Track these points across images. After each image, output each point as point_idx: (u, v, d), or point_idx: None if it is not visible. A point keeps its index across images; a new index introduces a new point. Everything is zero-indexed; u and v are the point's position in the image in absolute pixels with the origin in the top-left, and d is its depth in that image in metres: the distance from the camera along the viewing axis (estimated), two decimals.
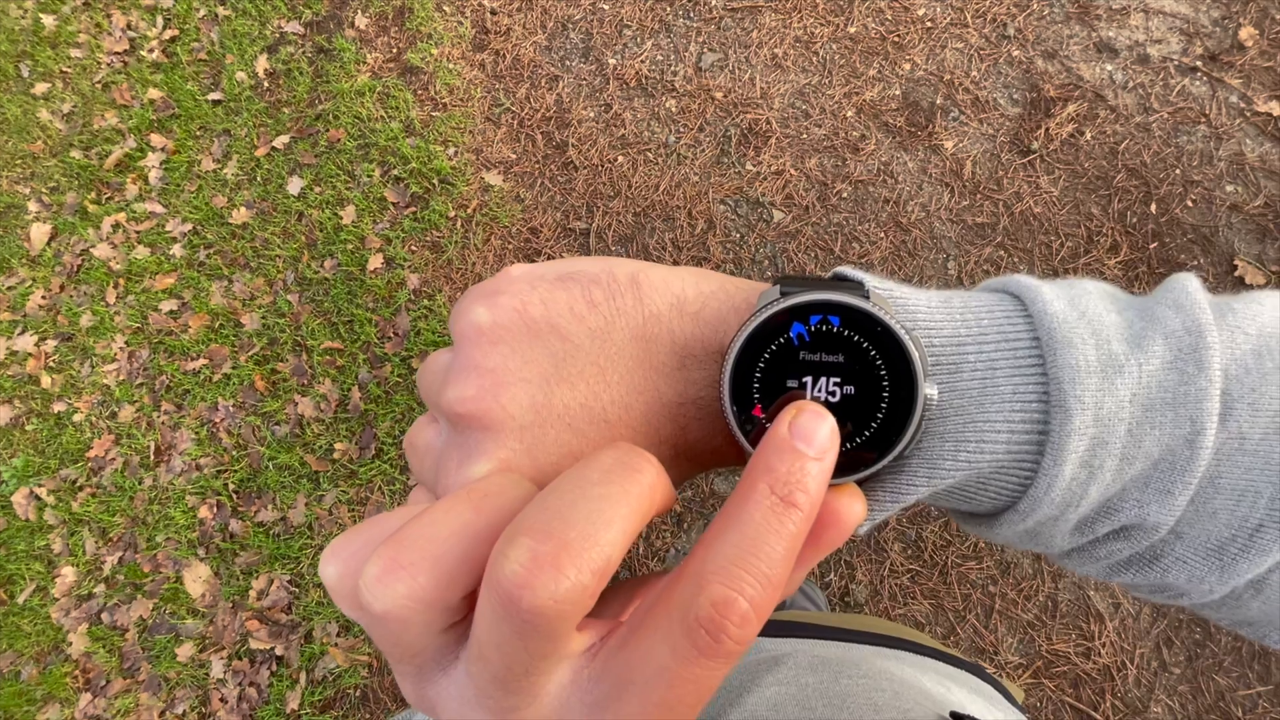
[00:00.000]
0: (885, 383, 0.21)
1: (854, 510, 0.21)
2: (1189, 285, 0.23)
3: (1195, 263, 1.48)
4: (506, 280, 0.24)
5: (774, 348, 0.21)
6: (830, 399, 0.21)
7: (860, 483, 0.22)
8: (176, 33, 2.02)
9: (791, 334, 0.21)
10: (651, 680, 0.17)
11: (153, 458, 1.75)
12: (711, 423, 0.24)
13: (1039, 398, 0.21)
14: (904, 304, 0.23)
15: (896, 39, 1.69)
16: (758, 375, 0.21)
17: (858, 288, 0.23)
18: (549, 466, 0.22)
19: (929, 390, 0.21)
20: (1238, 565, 0.22)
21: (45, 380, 1.84)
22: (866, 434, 0.21)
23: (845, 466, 0.21)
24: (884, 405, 0.21)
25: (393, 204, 1.81)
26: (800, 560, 0.20)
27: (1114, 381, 0.21)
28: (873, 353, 0.21)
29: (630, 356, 0.23)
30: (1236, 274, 1.46)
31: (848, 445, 0.21)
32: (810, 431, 0.19)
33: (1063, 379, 0.21)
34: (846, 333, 0.21)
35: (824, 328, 0.21)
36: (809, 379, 0.21)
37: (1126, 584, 0.26)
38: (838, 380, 0.21)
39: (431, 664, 0.19)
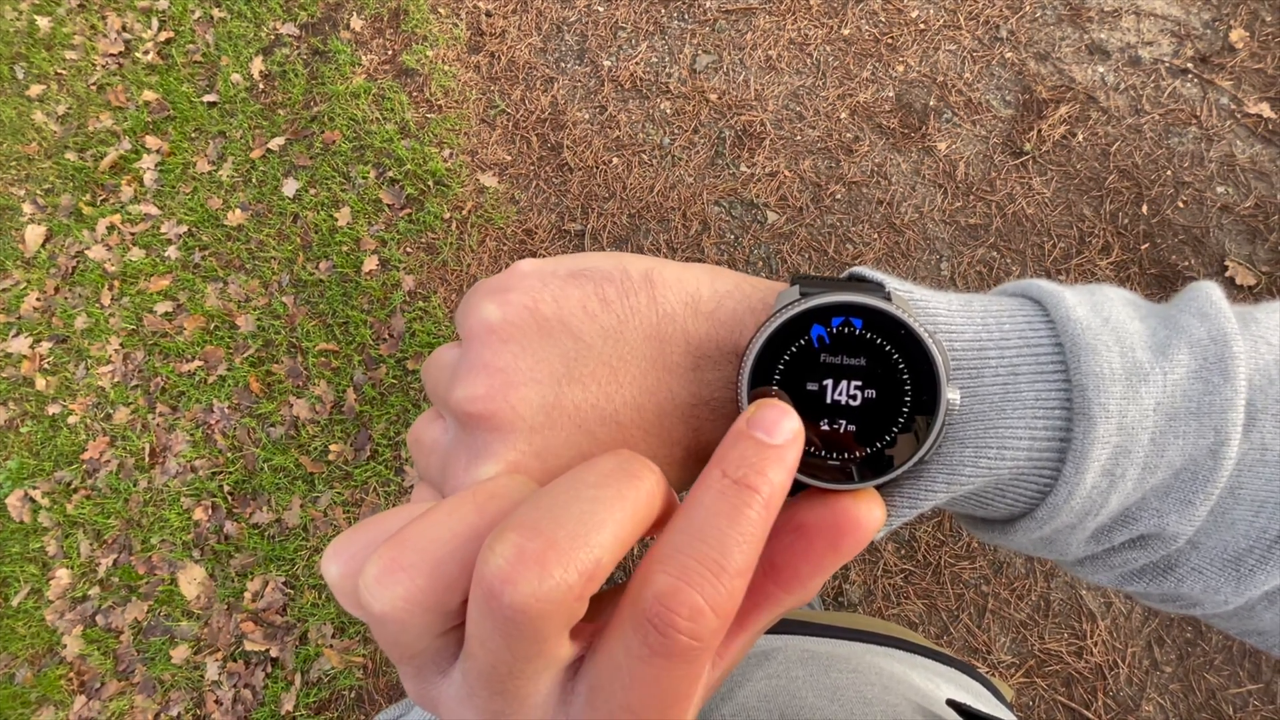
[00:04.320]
0: (907, 387, 0.21)
1: (873, 516, 0.20)
2: (1213, 294, 0.22)
3: (1186, 263, 1.49)
4: (517, 276, 0.23)
5: (794, 350, 0.21)
6: (851, 402, 0.21)
7: (879, 488, 0.22)
8: (172, 35, 2.02)
9: (812, 336, 0.21)
10: (611, 684, 0.17)
11: (147, 460, 1.74)
12: (726, 424, 0.23)
13: (1061, 404, 0.21)
14: (924, 306, 0.23)
15: (890, 41, 1.70)
16: (777, 378, 0.21)
17: (878, 289, 0.22)
18: (558, 469, 0.22)
19: (951, 395, 0.20)
20: (1255, 577, 0.22)
21: (40, 382, 1.84)
22: (888, 438, 0.21)
23: (865, 471, 0.21)
24: (905, 409, 0.21)
25: (388, 206, 1.81)
26: (820, 567, 0.20)
27: (1138, 390, 0.21)
28: (895, 356, 0.21)
29: (643, 357, 0.23)
30: (1227, 274, 1.47)
31: (868, 450, 0.21)
32: (770, 422, 0.18)
33: (1086, 386, 0.20)
34: (869, 335, 0.21)
35: (846, 330, 0.21)
36: (829, 382, 0.21)
37: (1138, 593, 0.25)
38: (859, 384, 0.21)
39: (430, 665, 0.19)
